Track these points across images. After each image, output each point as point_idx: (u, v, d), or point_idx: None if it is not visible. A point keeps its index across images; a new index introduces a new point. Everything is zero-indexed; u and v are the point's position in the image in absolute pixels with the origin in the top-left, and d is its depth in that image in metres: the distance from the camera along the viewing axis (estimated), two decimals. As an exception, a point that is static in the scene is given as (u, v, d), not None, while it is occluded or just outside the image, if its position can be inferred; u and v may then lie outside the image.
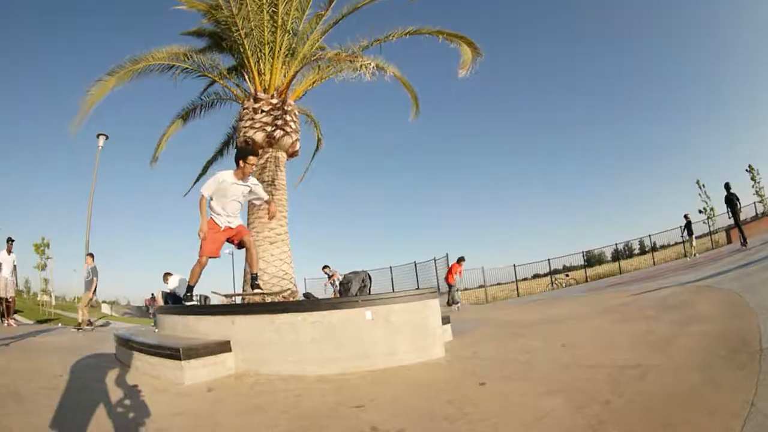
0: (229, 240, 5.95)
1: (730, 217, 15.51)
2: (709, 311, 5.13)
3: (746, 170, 29.98)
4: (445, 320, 5.66)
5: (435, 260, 22.17)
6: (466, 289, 22.87)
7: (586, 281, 23.40)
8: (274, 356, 4.37)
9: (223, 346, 4.46)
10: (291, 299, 6.55)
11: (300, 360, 4.29)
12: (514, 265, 24.19)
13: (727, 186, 14.93)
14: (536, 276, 28.42)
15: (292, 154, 11.22)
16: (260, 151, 10.70)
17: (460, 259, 17.01)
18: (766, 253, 10.28)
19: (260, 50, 10.82)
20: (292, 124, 10.92)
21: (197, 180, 15.89)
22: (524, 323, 7.24)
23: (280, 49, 10.88)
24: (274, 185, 10.41)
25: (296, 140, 10.98)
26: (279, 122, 10.70)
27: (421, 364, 4.31)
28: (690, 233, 19.78)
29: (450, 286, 16.83)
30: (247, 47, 10.65)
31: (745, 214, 21.73)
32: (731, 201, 14.68)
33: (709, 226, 25.06)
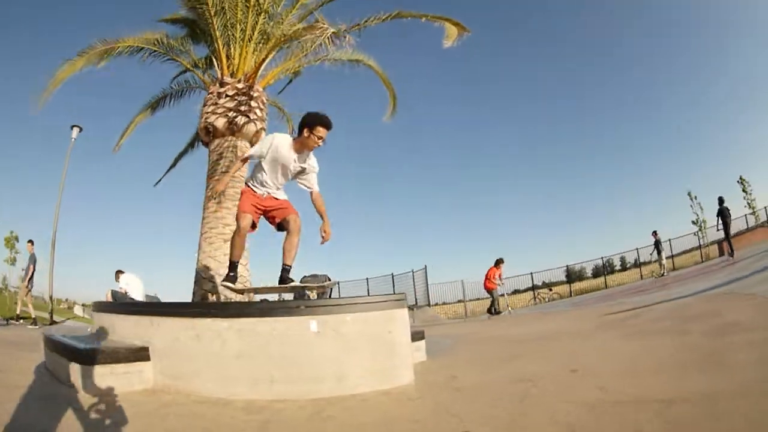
0: (268, 216, 4.69)
1: (719, 230, 15.87)
2: (743, 318, 4.19)
3: (738, 182, 29.94)
4: (418, 336, 4.54)
5: (413, 272, 21.26)
6: (444, 304, 21.94)
7: (570, 296, 22.48)
8: (197, 371, 3.42)
9: (138, 354, 3.58)
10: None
11: (225, 378, 3.31)
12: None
13: (720, 200, 15.34)
14: (516, 291, 27.43)
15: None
16: (220, 140, 9.56)
17: (498, 262, 15.07)
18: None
19: (231, 33, 9.88)
20: (257, 111, 9.82)
21: (167, 171, 15.24)
22: (514, 339, 6.07)
23: (252, 31, 9.91)
24: (233, 177, 9.19)
25: (262, 129, 9.87)
26: (243, 108, 9.60)
27: (382, 393, 3.20)
28: (659, 252, 19.03)
29: (491, 292, 15.00)
30: (216, 28, 9.67)
31: (737, 226, 21.76)
32: (723, 213, 15.13)
33: (699, 239, 24.30)
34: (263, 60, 10.01)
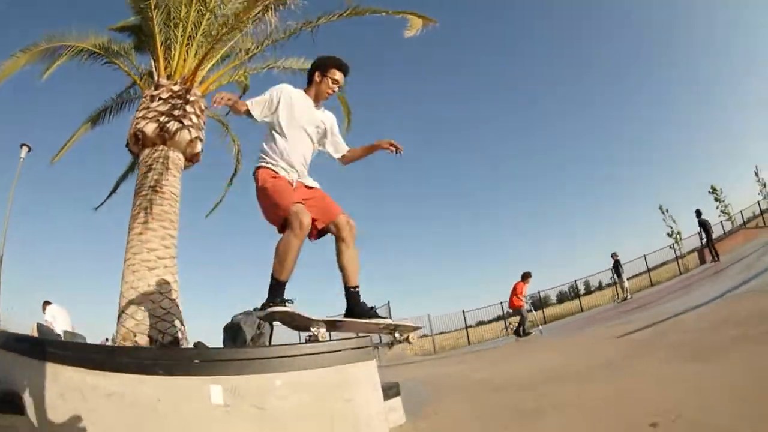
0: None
1: (702, 239, 16.64)
2: None
3: (709, 191, 30.36)
4: (392, 392, 3.16)
5: (374, 308, 19.61)
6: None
7: (545, 323, 21.48)
8: None
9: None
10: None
11: None
12: (463, 311, 22.06)
13: (698, 212, 16.43)
14: (481, 323, 26.22)
15: (191, 158, 8.67)
16: (150, 149, 8.14)
17: (526, 276, 13.36)
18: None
19: (173, 31, 8.82)
20: (193, 117, 8.44)
21: (109, 196, 13.63)
22: (516, 383, 4.50)
23: (195, 30, 8.79)
24: (159, 191, 7.77)
25: (197, 138, 8.49)
26: (177, 112, 8.24)
27: None
28: (619, 274, 18.02)
29: (518, 311, 13.33)
30: (155, 23, 8.58)
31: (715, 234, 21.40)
32: (705, 225, 16.15)
33: (675, 252, 23.78)
34: (203, 58, 8.76)
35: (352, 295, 3.08)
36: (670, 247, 24.69)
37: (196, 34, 8.78)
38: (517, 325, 13.70)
